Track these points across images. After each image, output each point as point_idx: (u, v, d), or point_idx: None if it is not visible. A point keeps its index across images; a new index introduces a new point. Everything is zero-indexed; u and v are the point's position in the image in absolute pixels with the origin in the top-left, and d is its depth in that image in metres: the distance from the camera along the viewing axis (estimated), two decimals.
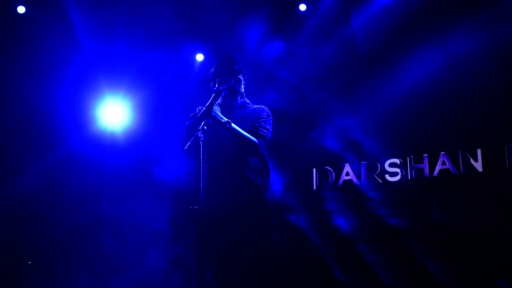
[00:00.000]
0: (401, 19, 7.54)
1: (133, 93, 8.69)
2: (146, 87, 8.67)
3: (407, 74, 7.51)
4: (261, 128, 4.90)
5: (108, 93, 8.69)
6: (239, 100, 5.13)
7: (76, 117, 8.69)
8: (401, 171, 7.58)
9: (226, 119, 4.66)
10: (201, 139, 4.40)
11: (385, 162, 7.70)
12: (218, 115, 4.63)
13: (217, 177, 4.93)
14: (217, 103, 4.69)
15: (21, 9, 8.39)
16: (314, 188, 8.11)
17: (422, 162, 7.45)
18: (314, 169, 8.14)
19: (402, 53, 7.56)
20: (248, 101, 5.19)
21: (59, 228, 8.53)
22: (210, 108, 4.58)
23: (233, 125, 4.68)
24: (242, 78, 5.10)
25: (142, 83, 8.64)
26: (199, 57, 8.82)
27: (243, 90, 5.15)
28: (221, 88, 4.78)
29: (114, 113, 8.79)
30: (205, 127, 4.51)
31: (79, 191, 8.64)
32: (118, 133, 8.79)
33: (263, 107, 5.10)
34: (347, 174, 7.93)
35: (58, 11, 8.28)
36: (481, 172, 7.07)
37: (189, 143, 4.40)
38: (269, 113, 5.07)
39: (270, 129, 4.98)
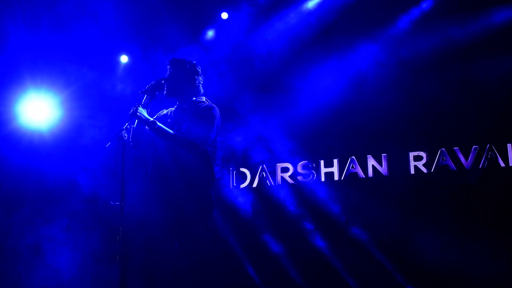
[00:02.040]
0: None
1: (59, 88, 8.31)
2: (72, 83, 8.30)
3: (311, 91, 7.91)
4: (199, 127, 4.73)
5: (32, 88, 8.22)
6: (190, 99, 4.94)
7: None
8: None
9: (152, 119, 4.61)
10: (125, 138, 4.45)
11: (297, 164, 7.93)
12: (142, 115, 4.59)
13: (155, 178, 4.83)
14: (142, 104, 4.69)
15: None
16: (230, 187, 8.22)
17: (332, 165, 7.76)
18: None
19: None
20: (202, 100, 4.97)
21: None
22: (134, 109, 4.58)
23: (159, 124, 4.61)
24: (178, 79, 4.92)
25: (67, 78, 8.29)
26: (123, 58, 8.69)
27: (198, 90, 4.99)
28: (143, 90, 4.80)
29: (38, 110, 8.30)
30: (128, 126, 4.56)
31: None
32: (42, 132, 8.33)
33: (209, 105, 4.91)
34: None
35: None
36: (386, 176, 7.49)
37: (110, 141, 4.45)
38: (213, 111, 4.82)
39: (211, 128, 4.74)
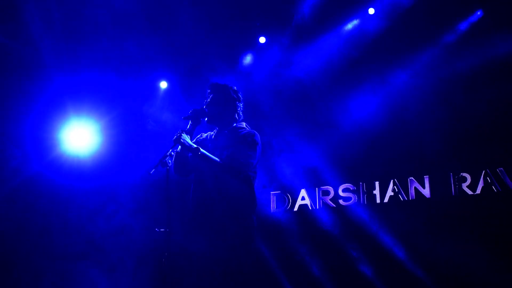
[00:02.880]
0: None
1: (99, 116, 8.60)
2: (112, 111, 8.59)
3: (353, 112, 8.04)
4: (241, 153, 4.75)
5: (74, 117, 8.55)
6: (230, 125, 4.96)
7: (40, 140, 8.46)
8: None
9: (196, 146, 4.60)
10: (169, 164, 4.44)
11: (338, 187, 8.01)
12: (186, 141, 4.58)
13: (198, 203, 4.82)
14: (186, 130, 4.69)
15: None
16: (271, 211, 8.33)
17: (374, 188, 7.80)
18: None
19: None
20: (242, 126, 5.00)
21: (20, 258, 8.18)
22: (178, 135, 4.58)
23: (202, 151, 4.60)
24: (219, 105, 4.94)
25: (107, 106, 8.55)
26: (163, 84, 8.89)
27: (238, 116, 5.01)
28: (186, 115, 4.79)
29: (80, 137, 8.64)
30: (172, 153, 4.55)
31: (42, 220, 8.39)
32: (83, 157, 8.66)
33: (251, 131, 4.93)
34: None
35: (27, 37, 8.19)
36: (428, 198, 7.42)
37: (154, 168, 4.43)
38: (255, 138, 4.86)
39: (253, 154, 4.77)
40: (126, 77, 8.59)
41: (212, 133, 5.06)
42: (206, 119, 4.87)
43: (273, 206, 8.32)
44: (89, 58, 8.38)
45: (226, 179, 4.66)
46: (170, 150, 4.54)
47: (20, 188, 8.31)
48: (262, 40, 8.47)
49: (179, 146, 4.61)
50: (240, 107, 5.03)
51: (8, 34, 8.26)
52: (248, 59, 8.61)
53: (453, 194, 7.29)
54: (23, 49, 8.32)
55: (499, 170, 7.12)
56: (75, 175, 8.49)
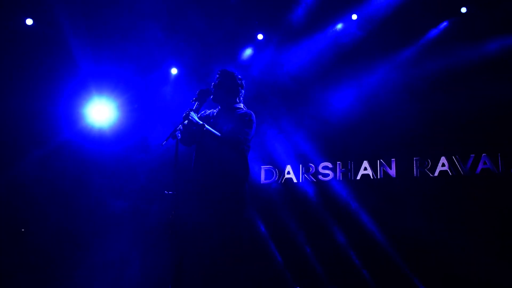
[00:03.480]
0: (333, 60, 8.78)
1: (117, 94, 9.15)
2: (129, 91, 9.16)
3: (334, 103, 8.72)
4: (238, 130, 5.17)
5: (96, 95, 9.14)
6: (231, 105, 5.40)
7: (69, 115, 9.09)
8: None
9: (201, 123, 5.02)
10: (178, 137, 4.89)
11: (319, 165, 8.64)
12: (194, 118, 5.00)
13: (199, 171, 5.22)
14: (194, 108, 5.13)
15: (29, 21, 8.92)
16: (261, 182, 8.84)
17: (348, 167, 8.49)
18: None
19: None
20: (241, 107, 5.42)
21: (56, 215, 8.66)
22: (187, 113, 5.02)
23: (207, 127, 5.03)
24: (225, 88, 5.38)
25: (125, 87, 9.12)
26: (174, 70, 9.39)
27: (239, 100, 5.45)
28: (194, 98, 5.23)
29: (101, 112, 9.19)
30: (181, 128, 4.97)
31: (72, 177, 8.90)
32: (104, 129, 9.22)
33: (248, 112, 5.32)
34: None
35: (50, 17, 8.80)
36: (394, 177, 8.20)
37: (165, 140, 4.89)
38: (252, 117, 5.27)
39: (249, 131, 5.20)
40: (140, 63, 9.06)
41: (215, 110, 5.46)
42: (211, 97, 5.28)
43: (263, 178, 8.79)
44: (109, 49, 9.00)
45: (224, 151, 5.08)
46: (180, 125, 4.95)
47: (55, 152, 8.95)
48: (260, 37, 8.95)
49: (187, 122, 4.99)
50: (242, 93, 5.45)
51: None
52: (247, 53, 9.11)
53: (415, 175, 7.99)
54: (58, 41, 8.88)
55: (454, 157, 7.86)
56: (98, 141, 9.12)
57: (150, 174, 8.92)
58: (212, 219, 5.08)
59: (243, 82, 5.53)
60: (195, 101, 5.26)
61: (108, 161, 9.07)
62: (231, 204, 5.11)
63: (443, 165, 7.94)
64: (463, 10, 8.17)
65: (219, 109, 5.47)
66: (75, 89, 9.05)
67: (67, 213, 8.73)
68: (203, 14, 8.63)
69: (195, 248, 5.11)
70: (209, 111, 5.54)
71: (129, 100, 9.23)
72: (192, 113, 5.07)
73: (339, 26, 8.72)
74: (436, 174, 7.97)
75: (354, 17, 8.55)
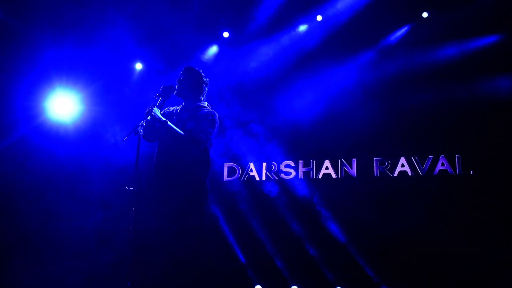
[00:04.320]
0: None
1: (81, 87, 8.90)
2: (92, 83, 8.91)
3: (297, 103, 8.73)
4: (201, 129, 5.21)
5: (59, 87, 8.83)
6: (195, 103, 5.43)
7: (28, 108, 8.75)
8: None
9: (164, 119, 5.05)
10: (140, 133, 4.93)
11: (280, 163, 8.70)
12: (156, 115, 5.04)
13: (160, 168, 5.26)
14: (157, 104, 5.15)
15: None
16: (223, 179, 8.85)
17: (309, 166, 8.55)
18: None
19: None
20: (204, 105, 5.45)
21: (8, 218, 8.41)
22: (150, 109, 5.05)
23: (169, 124, 5.06)
24: (189, 84, 5.42)
25: (88, 79, 8.88)
26: (138, 65, 9.25)
27: (203, 97, 5.49)
28: (157, 93, 5.25)
29: (63, 105, 8.88)
30: (144, 124, 5.01)
31: (29, 179, 8.64)
32: (67, 124, 8.93)
33: (212, 111, 5.36)
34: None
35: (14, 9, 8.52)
36: (354, 177, 8.30)
37: (127, 136, 4.96)
38: (215, 117, 5.32)
39: (212, 131, 5.27)
40: (104, 57, 8.80)
41: (178, 107, 5.46)
42: (175, 92, 5.31)
43: (225, 175, 8.81)
44: (72, 35, 8.67)
45: (186, 148, 5.12)
46: (142, 121, 4.98)
47: (11, 148, 8.60)
48: (225, 34, 8.92)
49: (150, 117, 5.01)
50: (206, 90, 5.49)
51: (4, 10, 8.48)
52: (212, 50, 9.06)
53: (375, 175, 8.13)
54: (17, 27, 8.58)
55: (413, 158, 8.00)
56: (58, 140, 8.79)
57: (108, 171, 8.79)
58: (173, 215, 5.11)
59: (207, 79, 5.55)
60: (158, 97, 5.25)
61: (67, 160, 8.85)
62: (192, 201, 5.14)
63: (402, 165, 8.07)
64: (425, 15, 8.28)
65: (182, 105, 5.47)
66: (36, 81, 8.79)
67: (21, 213, 8.51)
68: (169, 9, 8.54)
69: (155, 244, 5.17)
70: (173, 107, 5.53)
71: (92, 94, 9.04)
72: (155, 109, 5.09)
73: (304, 27, 8.77)
74: (395, 174, 8.10)
75: (319, 18, 8.61)
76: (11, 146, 8.64)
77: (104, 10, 8.57)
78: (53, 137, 8.86)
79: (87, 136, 8.94)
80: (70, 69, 8.85)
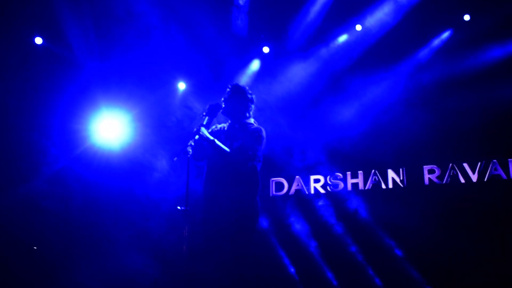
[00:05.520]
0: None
1: (128, 108, 8.85)
2: (140, 104, 8.85)
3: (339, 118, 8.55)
4: (249, 146, 5.15)
5: (105, 107, 8.78)
6: (241, 120, 5.36)
7: (71, 133, 8.69)
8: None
9: (212, 138, 4.99)
10: (188, 154, 4.84)
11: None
12: (204, 134, 4.98)
13: (211, 185, 5.19)
14: (204, 123, 5.06)
15: (38, 40, 8.76)
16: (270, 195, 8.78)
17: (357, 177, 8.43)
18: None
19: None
20: (251, 122, 5.38)
21: (44, 259, 8.29)
22: (198, 128, 4.98)
23: (217, 142, 5.01)
24: (236, 103, 5.33)
25: (135, 99, 8.82)
26: (181, 85, 9.23)
27: (249, 114, 5.39)
28: (204, 112, 5.18)
29: (110, 128, 8.83)
30: (193, 143, 4.90)
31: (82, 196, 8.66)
32: (113, 150, 8.82)
33: (259, 128, 5.29)
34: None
35: (59, 34, 8.58)
36: (403, 187, 8.15)
37: (177, 156, 4.90)
38: (262, 133, 5.24)
39: (259, 148, 5.18)
40: (148, 78, 8.78)
41: (225, 125, 5.41)
42: (221, 111, 5.23)
43: (273, 190, 8.73)
44: (118, 51, 8.75)
45: (235, 166, 5.07)
46: (191, 141, 4.90)
47: (63, 170, 8.60)
48: (266, 50, 8.92)
49: (198, 137, 4.93)
50: (252, 107, 5.41)
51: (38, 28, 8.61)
52: (254, 65, 9.04)
53: (425, 183, 7.97)
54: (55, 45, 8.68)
55: (464, 164, 7.83)
56: (105, 170, 8.66)
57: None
58: (225, 234, 5.05)
59: (253, 96, 5.48)
60: (205, 115, 5.22)
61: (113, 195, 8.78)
62: (243, 219, 5.08)
63: (453, 172, 7.91)
64: (466, 18, 8.15)
65: (229, 123, 5.43)
66: (83, 104, 8.82)
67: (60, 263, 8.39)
68: (211, 26, 8.57)
69: (207, 262, 5.07)
70: (220, 125, 5.50)
71: (137, 116, 9.02)
72: (202, 128, 5.05)
73: (344, 37, 8.69)
74: (446, 181, 7.94)
75: (359, 27, 8.52)
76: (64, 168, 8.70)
77: (148, 30, 8.61)
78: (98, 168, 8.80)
79: (133, 161, 8.89)
80: (115, 90, 8.87)
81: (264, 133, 5.30)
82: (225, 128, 5.44)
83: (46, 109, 8.73)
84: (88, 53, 8.72)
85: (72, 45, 8.67)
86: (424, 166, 8.03)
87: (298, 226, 8.53)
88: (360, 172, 8.43)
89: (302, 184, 8.70)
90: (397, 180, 8.16)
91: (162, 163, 8.77)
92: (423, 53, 8.36)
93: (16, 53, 8.62)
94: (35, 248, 8.37)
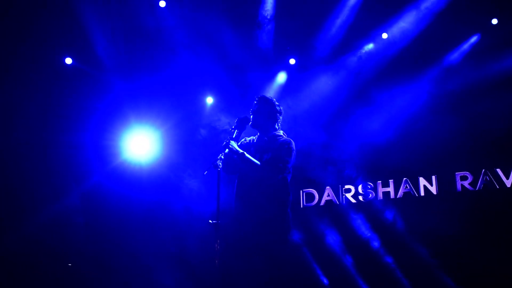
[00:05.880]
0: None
1: (159, 124, 8.92)
2: (169, 120, 8.92)
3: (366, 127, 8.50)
4: (279, 158, 5.13)
5: (136, 124, 8.90)
6: (270, 132, 5.35)
7: (102, 149, 8.83)
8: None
9: (241, 151, 5.02)
10: (218, 167, 4.83)
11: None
12: (233, 147, 5.02)
13: (243, 198, 5.21)
14: (233, 137, 5.11)
15: (68, 60, 8.89)
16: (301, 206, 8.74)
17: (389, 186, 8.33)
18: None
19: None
20: (280, 134, 5.37)
21: (78, 268, 8.40)
22: (227, 142, 5.03)
23: (247, 155, 5.03)
24: (264, 114, 5.34)
25: (165, 115, 8.90)
26: (209, 99, 9.26)
27: (278, 126, 5.38)
28: (233, 126, 5.23)
29: (140, 144, 8.92)
30: (222, 157, 4.93)
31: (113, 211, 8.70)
32: (144, 166, 8.90)
33: (288, 139, 5.26)
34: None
35: (88, 53, 8.72)
36: (435, 194, 8.01)
37: (207, 170, 4.89)
38: (291, 145, 5.21)
39: (289, 159, 5.14)
40: (176, 94, 8.89)
41: (254, 137, 5.43)
42: (250, 123, 5.27)
43: (303, 201, 8.69)
44: (147, 68, 8.83)
45: (265, 178, 5.08)
46: (221, 155, 4.92)
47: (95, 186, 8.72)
48: (292, 61, 8.91)
49: (227, 150, 4.98)
50: (280, 119, 5.41)
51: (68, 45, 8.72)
52: (281, 77, 9.02)
53: (458, 190, 7.83)
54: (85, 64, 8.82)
55: (496, 169, 7.67)
56: (135, 185, 8.72)
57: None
58: (256, 246, 5.05)
59: (281, 108, 5.47)
60: (234, 129, 5.24)
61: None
62: (275, 231, 5.07)
63: (486, 178, 7.75)
64: (494, 21, 8.05)
65: (258, 136, 5.43)
66: (114, 121, 8.96)
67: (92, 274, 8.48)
68: (236, 42, 8.63)
69: (240, 277, 5.08)
70: (249, 138, 5.50)
71: (167, 132, 9.10)
72: (232, 142, 5.08)
73: (370, 46, 8.64)
74: (479, 188, 7.78)
75: (385, 36, 8.48)
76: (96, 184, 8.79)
77: (175, 47, 8.70)
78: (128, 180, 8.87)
79: (163, 176, 8.95)
80: (145, 107, 8.96)
81: (293, 145, 5.27)
82: (255, 141, 5.44)
83: (79, 127, 8.84)
84: (118, 71, 8.86)
85: (102, 64, 8.82)
86: (456, 173, 7.90)
87: (331, 237, 8.48)
88: (391, 180, 8.33)
89: (333, 194, 8.66)
90: (429, 187, 8.05)
91: (191, 177, 8.83)
92: (451, 58, 8.28)
93: (48, 74, 8.77)
94: (69, 265, 8.47)
